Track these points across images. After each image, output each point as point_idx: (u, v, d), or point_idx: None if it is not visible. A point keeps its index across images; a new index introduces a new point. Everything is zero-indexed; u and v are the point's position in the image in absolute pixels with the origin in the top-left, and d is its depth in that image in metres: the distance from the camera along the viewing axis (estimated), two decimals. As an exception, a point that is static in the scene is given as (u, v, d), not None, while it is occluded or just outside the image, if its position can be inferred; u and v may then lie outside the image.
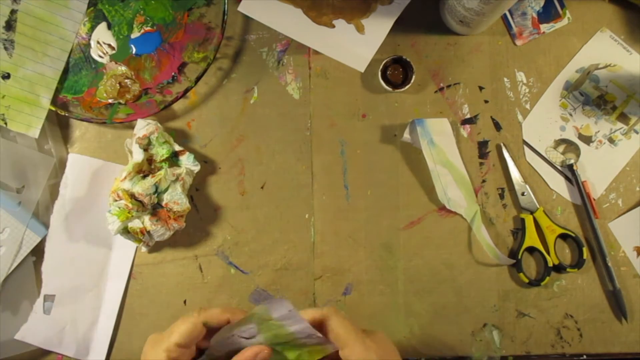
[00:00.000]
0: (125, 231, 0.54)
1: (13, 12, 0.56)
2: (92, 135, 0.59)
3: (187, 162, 0.57)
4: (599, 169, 0.60)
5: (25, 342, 0.56)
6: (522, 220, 0.59)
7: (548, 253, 0.58)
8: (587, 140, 0.60)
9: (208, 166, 0.59)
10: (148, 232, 0.55)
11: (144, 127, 0.55)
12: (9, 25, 0.56)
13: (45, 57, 0.57)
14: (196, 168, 0.57)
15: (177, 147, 0.57)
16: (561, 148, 0.60)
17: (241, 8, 0.59)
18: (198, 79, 0.57)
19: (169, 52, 0.58)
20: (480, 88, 0.60)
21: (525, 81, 0.61)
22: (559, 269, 0.58)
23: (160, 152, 0.56)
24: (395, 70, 0.60)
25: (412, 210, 0.59)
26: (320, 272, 0.59)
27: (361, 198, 0.59)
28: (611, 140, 0.60)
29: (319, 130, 0.60)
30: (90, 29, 0.58)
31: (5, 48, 0.56)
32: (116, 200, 0.53)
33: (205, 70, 0.57)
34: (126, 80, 0.58)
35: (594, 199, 0.59)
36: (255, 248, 0.59)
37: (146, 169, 0.56)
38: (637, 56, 0.60)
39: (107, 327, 0.58)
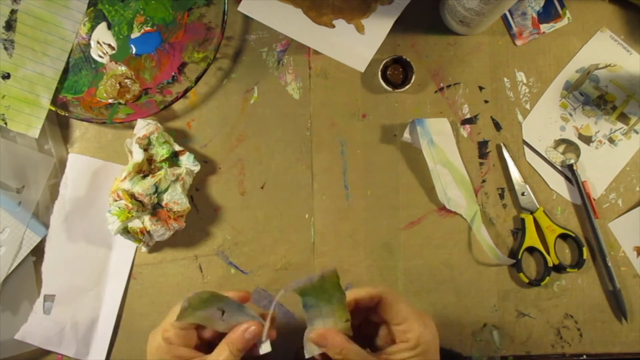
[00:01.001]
0: (125, 231, 0.54)
1: (13, 12, 0.56)
2: (92, 135, 0.59)
3: (187, 162, 0.57)
4: (599, 169, 0.60)
5: (25, 342, 0.56)
6: (522, 220, 0.59)
7: (548, 253, 0.58)
8: (587, 140, 0.60)
9: (208, 166, 0.59)
10: (148, 232, 0.55)
11: (144, 127, 0.55)
12: (9, 25, 0.56)
13: (45, 57, 0.57)
14: (196, 168, 0.57)
15: (177, 147, 0.57)
16: (561, 148, 0.60)
17: (241, 8, 0.59)
18: (198, 79, 0.57)
19: (169, 52, 0.58)
20: (480, 88, 0.60)
21: (525, 81, 0.61)
22: (559, 269, 0.58)
23: (160, 152, 0.56)
24: (395, 70, 0.60)
25: (412, 210, 0.59)
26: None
27: (361, 198, 0.59)
28: (611, 140, 0.60)
29: (319, 130, 0.60)
30: (90, 29, 0.58)
31: (5, 48, 0.56)
32: (116, 200, 0.53)
33: (205, 70, 0.57)
34: (126, 80, 0.58)
35: (594, 199, 0.59)
36: (255, 248, 0.59)
37: (146, 169, 0.56)
38: (637, 56, 0.60)
39: (107, 327, 0.58)
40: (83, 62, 0.58)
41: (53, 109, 0.57)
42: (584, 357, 0.59)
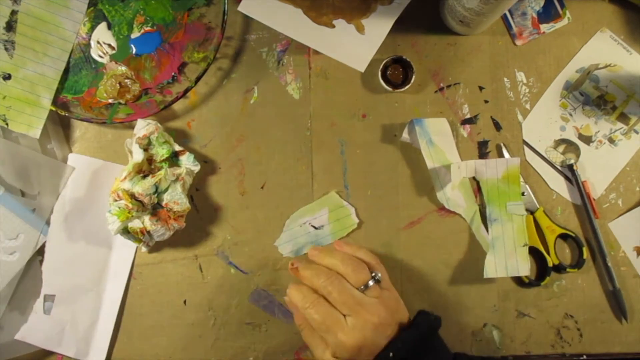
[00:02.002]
0: (125, 231, 0.55)
1: (13, 12, 0.56)
2: (92, 135, 0.59)
3: (187, 162, 0.57)
4: (599, 169, 0.60)
5: (25, 342, 0.56)
6: (522, 220, 0.59)
7: (548, 253, 0.58)
8: (587, 140, 0.60)
9: (208, 166, 0.59)
10: (148, 232, 0.55)
11: (144, 127, 0.55)
12: (10, 26, 0.56)
13: (45, 58, 0.57)
14: (196, 168, 0.57)
15: (177, 147, 0.57)
16: (561, 148, 0.60)
17: (241, 8, 0.59)
18: (198, 79, 0.57)
19: (169, 52, 0.59)
20: (480, 88, 0.60)
21: (525, 81, 0.61)
22: (559, 269, 0.58)
23: (160, 152, 0.56)
24: (395, 70, 0.60)
25: (412, 210, 0.59)
26: (320, 272, 0.59)
27: (361, 198, 0.59)
28: (611, 140, 0.60)
29: (319, 130, 0.60)
30: (90, 29, 0.58)
31: (6, 49, 0.56)
32: (116, 200, 0.53)
33: (205, 70, 0.57)
34: (126, 80, 0.58)
35: (594, 199, 0.59)
36: (255, 248, 0.59)
37: (146, 169, 0.56)
38: (637, 56, 0.60)
39: (107, 327, 0.58)
40: (83, 62, 0.58)
41: (53, 109, 0.57)
42: (584, 357, 0.59)
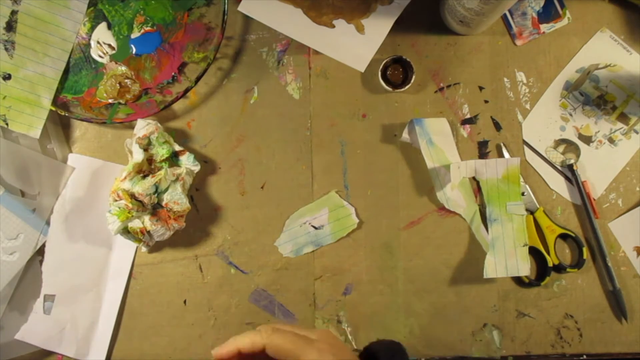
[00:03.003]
0: (125, 231, 0.55)
1: (13, 13, 0.56)
2: (92, 135, 0.59)
3: (187, 162, 0.57)
4: (599, 169, 0.60)
5: (25, 342, 0.56)
6: (522, 220, 0.59)
7: (548, 253, 0.58)
8: (587, 140, 0.60)
9: (208, 166, 0.59)
10: (148, 232, 0.55)
11: (144, 127, 0.55)
12: (10, 26, 0.56)
13: (45, 58, 0.57)
14: (196, 168, 0.57)
15: (177, 147, 0.57)
16: (561, 148, 0.60)
17: (241, 8, 0.59)
18: (198, 79, 0.57)
19: (169, 52, 0.59)
20: (480, 88, 0.60)
21: (525, 81, 0.61)
22: (559, 269, 0.58)
23: (160, 152, 0.56)
24: (395, 70, 0.60)
25: (412, 210, 0.59)
26: (320, 272, 0.59)
27: (361, 198, 0.59)
28: (611, 140, 0.60)
29: (319, 130, 0.60)
30: (90, 29, 0.58)
31: (6, 49, 0.56)
32: (116, 200, 0.53)
33: (205, 70, 0.57)
34: (126, 80, 0.58)
35: (594, 199, 0.59)
36: (255, 248, 0.59)
37: (146, 169, 0.56)
38: (637, 56, 0.60)
39: (107, 327, 0.58)
40: (83, 62, 0.58)
41: (53, 109, 0.57)
42: (584, 357, 0.59)
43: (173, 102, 0.57)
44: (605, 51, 0.60)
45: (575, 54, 0.61)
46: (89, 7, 0.58)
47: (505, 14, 0.60)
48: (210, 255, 0.59)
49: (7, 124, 0.56)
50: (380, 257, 0.59)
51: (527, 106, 0.60)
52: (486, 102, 0.60)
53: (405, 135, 0.59)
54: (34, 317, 0.57)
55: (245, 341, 0.39)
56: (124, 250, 0.59)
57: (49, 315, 0.57)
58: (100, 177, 0.58)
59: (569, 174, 0.60)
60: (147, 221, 0.54)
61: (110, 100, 0.58)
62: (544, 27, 0.60)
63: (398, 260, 0.59)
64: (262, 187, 0.60)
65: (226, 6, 0.57)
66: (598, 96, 0.60)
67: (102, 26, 0.59)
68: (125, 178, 0.54)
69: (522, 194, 0.59)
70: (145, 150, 0.56)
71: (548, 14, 0.61)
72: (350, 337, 0.58)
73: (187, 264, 0.59)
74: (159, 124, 0.56)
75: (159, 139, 0.56)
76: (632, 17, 0.61)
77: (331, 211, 0.59)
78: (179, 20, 0.59)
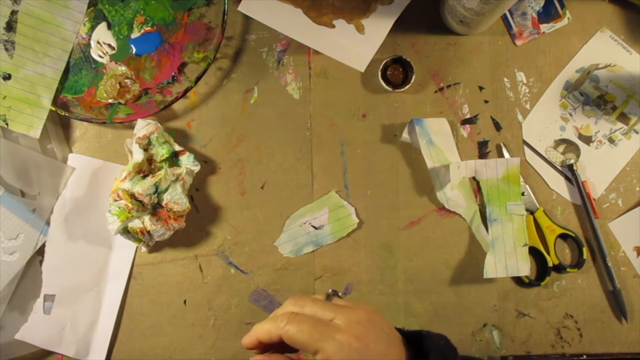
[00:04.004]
0: (126, 231, 0.55)
1: (13, 13, 0.56)
2: (92, 135, 0.59)
3: (187, 162, 0.57)
4: (599, 169, 0.60)
5: (26, 342, 0.56)
6: (522, 220, 0.59)
7: (548, 253, 0.58)
8: (587, 140, 0.60)
9: (208, 166, 0.59)
10: (148, 232, 0.55)
11: (143, 127, 0.55)
12: (10, 26, 0.56)
13: (45, 58, 0.57)
14: (196, 168, 0.57)
15: (177, 147, 0.57)
16: (561, 148, 0.60)
17: (241, 8, 0.59)
18: (198, 79, 0.57)
19: (169, 52, 0.59)
20: (480, 88, 0.60)
21: (525, 81, 0.61)
22: (559, 269, 0.58)
23: (160, 152, 0.56)
24: (395, 70, 0.60)
25: (412, 210, 0.59)
26: (320, 272, 0.59)
27: (361, 198, 0.59)
28: (611, 140, 0.60)
29: (319, 130, 0.60)
30: (90, 29, 0.58)
31: (6, 49, 0.56)
32: (116, 200, 0.53)
33: (205, 70, 0.57)
34: (126, 80, 0.58)
35: (594, 199, 0.59)
36: (255, 248, 0.59)
37: (146, 169, 0.56)
38: (637, 56, 0.60)
39: (107, 327, 0.58)
40: (83, 62, 0.58)
41: (53, 109, 0.57)
42: (584, 357, 0.59)
43: (173, 102, 0.57)
44: (605, 51, 0.60)
45: (575, 54, 0.61)
46: (89, 7, 0.58)
47: (505, 14, 0.60)
48: (210, 255, 0.59)
49: (7, 124, 0.56)
50: (380, 257, 0.59)
51: (527, 106, 0.60)
52: (486, 102, 0.60)
53: (405, 135, 0.59)
54: (34, 317, 0.57)
55: (264, 330, 0.37)
56: (124, 250, 0.59)
57: (49, 315, 0.57)
58: (100, 177, 0.58)
59: (569, 174, 0.60)
60: (147, 221, 0.54)
61: (110, 100, 0.58)
62: (544, 27, 0.60)
63: (398, 260, 0.59)
64: (262, 187, 0.60)
65: (226, 6, 0.57)
66: (598, 96, 0.60)
67: (102, 26, 0.59)
68: (125, 178, 0.54)
69: (522, 194, 0.59)
70: (145, 150, 0.56)
71: (548, 14, 0.61)
72: (350, 337, 0.58)
73: (187, 264, 0.59)
74: (159, 124, 0.56)
75: (159, 139, 0.56)
76: (632, 17, 0.61)
77: (331, 211, 0.59)
78: (179, 20, 0.59)
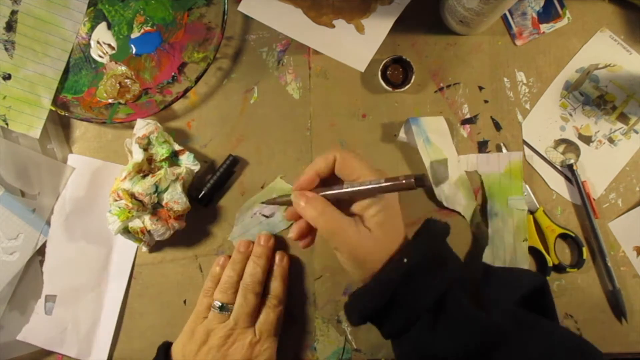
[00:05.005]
0: (126, 231, 0.55)
1: (13, 12, 0.56)
2: (92, 135, 0.60)
3: (187, 162, 0.57)
4: (599, 169, 0.60)
5: (26, 342, 0.56)
6: (522, 220, 0.59)
7: (548, 253, 0.58)
8: (587, 140, 0.60)
9: (208, 166, 0.59)
10: (148, 232, 0.55)
11: (143, 126, 0.55)
12: (10, 26, 0.56)
13: (45, 58, 0.57)
14: (196, 167, 0.57)
15: (177, 147, 0.57)
16: (561, 148, 0.60)
17: (241, 8, 0.59)
18: (198, 79, 0.57)
19: (169, 52, 0.59)
20: (480, 88, 0.60)
21: (525, 81, 0.61)
22: (559, 269, 0.58)
23: (160, 151, 0.56)
24: (395, 70, 0.60)
25: (412, 210, 0.59)
26: (320, 272, 0.59)
27: (361, 198, 0.59)
28: (611, 140, 0.60)
29: (319, 130, 0.60)
30: (90, 29, 0.59)
31: (6, 49, 0.56)
32: (116, 200, 0.53)
33: (205, 70, 0.57)
34: (126, 80, 0.58)
35: (594, 199, 0.59)
36: (255, 248, 0.59)
37: (146, 168, 0.56)
38: (637, 56, 0.60)
39: (109, 327, 0.58)
40: (83, 62, 0.58)
41: (53, 109, 0.57)
42: (584, 357, 0.59)
43: (173, 102, 0.57)
44: (605, 51, 0.60)
45: (575, 54, 0.61)
46: (89, 7, 0.58)
47: (505, 14, 0.60)
48: (210, 255, 0.59)
49: (7, 124, 0.56)
50: (380, 257, 0.59)
51: (527, 106, 0.60)
52: (486, 102, 0.60)
53: (402, 135, 0.59)
54: (35, 318, 0.57)
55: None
56: (125, 250, 0.59)
57: (51, 316, 0.57)
58: (100, 177, 0.58)
59: (569, 174, 0.60)
60: (147, 221, 0.54)
61: (110, 100, 0.58)
62: (543, 27, 0.60)
63: (398, 260, 0.59)
64: (262, 187, 0.60)
65: (226, 6, 0.57)
66: (598, 96, 0.60)
67: (102, 26, 0.59)
68: (125, 178, 0.54)
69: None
70: (145, 150, 0.56)
71: (548, 14, 0.61)
72: (350, 337, 0.58)
73: (187, 263, 0.59)
74: (158, 124, 0.56)
75: (159, 138, 0.56)
76: (632, 17, 0.61)
77: None
78: (179, 20, 0.59)
